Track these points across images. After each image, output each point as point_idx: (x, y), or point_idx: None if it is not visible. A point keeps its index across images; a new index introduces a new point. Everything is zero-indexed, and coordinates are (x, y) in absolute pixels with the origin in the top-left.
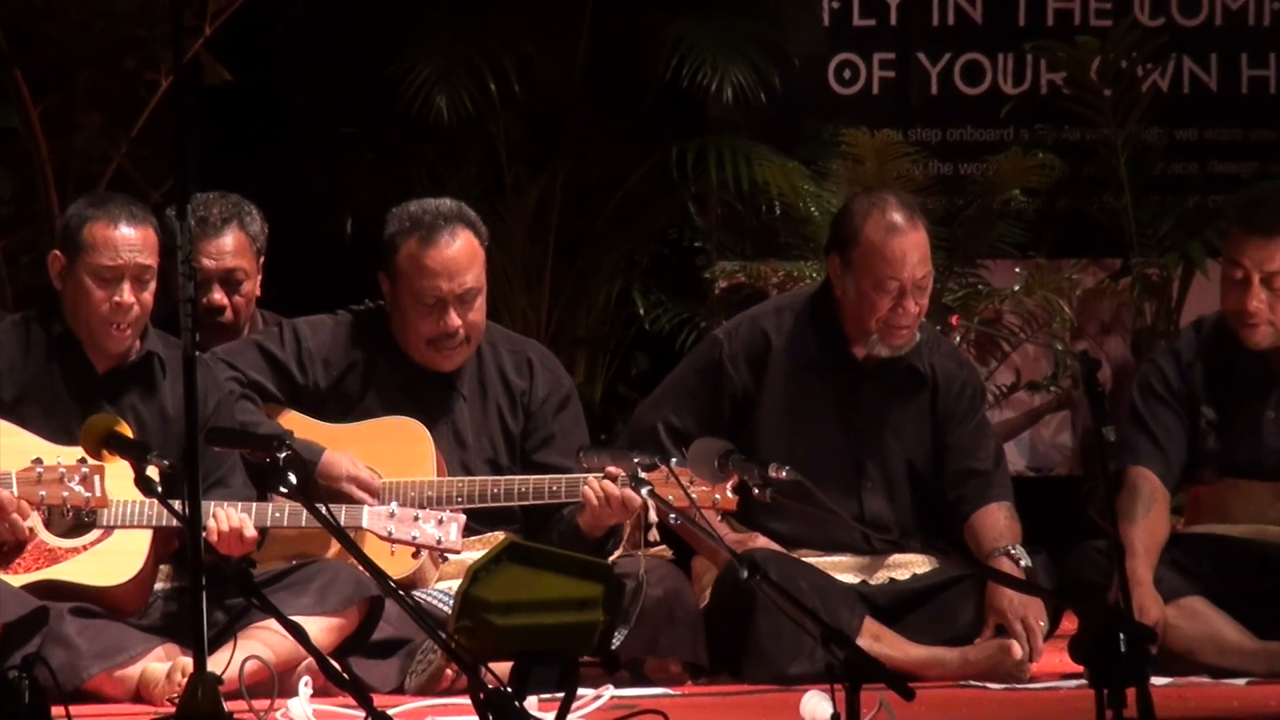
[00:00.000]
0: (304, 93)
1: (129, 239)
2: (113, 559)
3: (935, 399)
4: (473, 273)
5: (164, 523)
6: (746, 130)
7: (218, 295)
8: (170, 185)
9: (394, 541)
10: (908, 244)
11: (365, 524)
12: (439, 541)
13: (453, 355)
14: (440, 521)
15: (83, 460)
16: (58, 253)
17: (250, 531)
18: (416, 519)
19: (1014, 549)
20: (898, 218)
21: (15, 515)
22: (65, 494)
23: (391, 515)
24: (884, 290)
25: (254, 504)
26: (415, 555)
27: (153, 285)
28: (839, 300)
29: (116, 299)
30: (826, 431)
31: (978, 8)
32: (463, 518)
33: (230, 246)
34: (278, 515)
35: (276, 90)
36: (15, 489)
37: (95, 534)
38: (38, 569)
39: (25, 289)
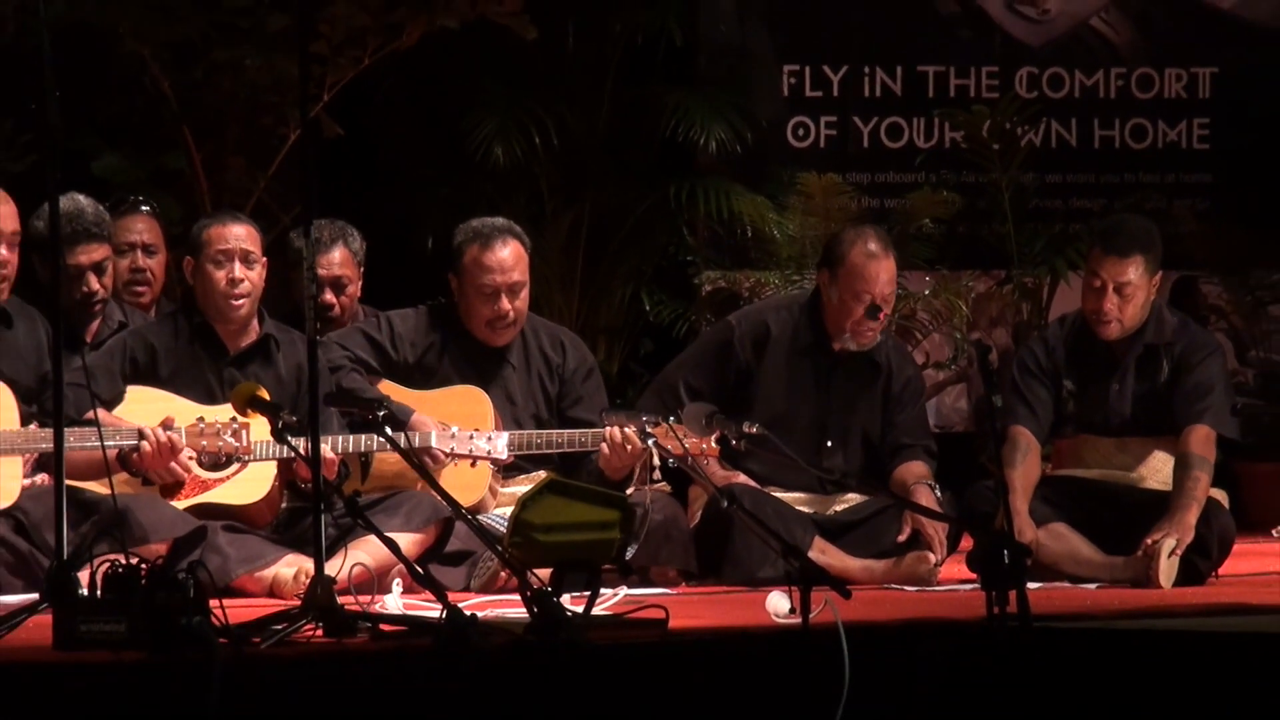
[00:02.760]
0: (395, 144)
1: (235, 231)
2: (247, 484)
3: (888, 387)
4: (519, 270)
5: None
6: (726, 173)
7: (328, 297)
8: (297, 212)
9: (455, 456)
10: (881, 268)
11: (434, 443)
12: (489, 453)
13: (504, 333)
14: (489, 439)
15: (233, 419)
16: (189, 257)
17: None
18: (471, 437)
19: (931, 482)
20: (874, 247)
21: (182, 458)
22: (220, 444)
23: (453, 436)
24: (859, 301)
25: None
26: (473, 465)
27: (259, 268)
28: (825, 305)
29: (229, 276)
30: (804, 402)
31: (898, 83)
32: (506, 435)
33: (337, 259)
34: (371, 446)
35: (375, 142)
36: (185, 439)
37: (235, 466)
38: (194, 496)
39: (190, 290)
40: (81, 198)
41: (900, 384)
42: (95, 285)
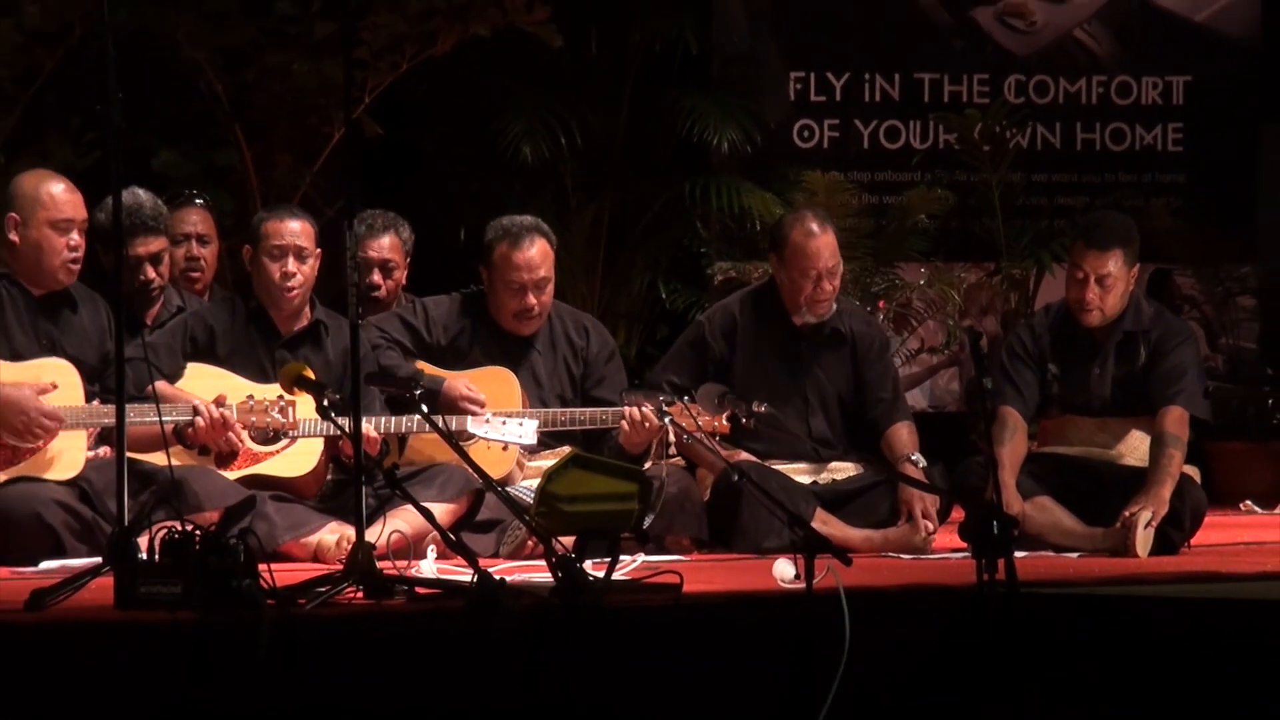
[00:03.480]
0: (431, 143)
1: (291, 227)
2: (296, 458)
3: (855, 350)
4: (545, 267)
5: (334, 433)
6: (737, 172)
7: (376, 277)
8: (340, 205)
9: (489, 440)
10: (821, 244)
11: (469, 427)
12: (520, 437)
13: (530, 324)
14: (520, 424)
15: (281, 396)
16: (248, 246)
17: (374, 434)
18: (504, 423)
19: (914, 456)
20: (813, 226)
21: (234, 432)
22: (268, 420)
23: (487, 421)
24: (806, 276)
25: (395, 418)
26: (505, 449)
27: (312, 262)
28: (780, 286)
29: (284, 269)
30: (780, 378)
31: (896, 89)
32: (536, 422)
33: (387, 244)
34: (410, 426)
35: (412, 141)
36: (236, 415)
37: (284, 441)
38: (245, 467)
39: (242, 277)
40: (141, 192)
41: (865, 346)
42: (152, 274)
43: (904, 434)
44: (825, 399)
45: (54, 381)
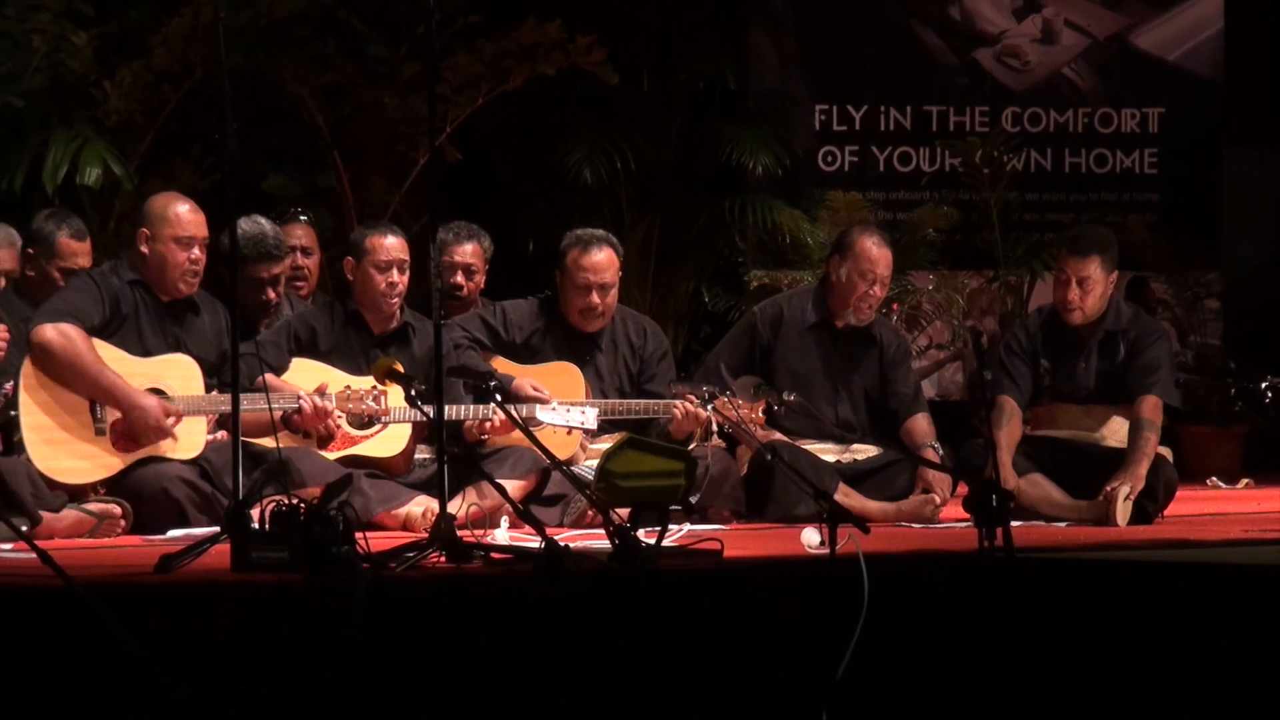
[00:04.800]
0: (503, 167)
1: (392, 243)
2: (387, 441)
3: (882, 353)
4: (610, 272)
5: (420, 419)
6: (769, 192)
7: (459, 279)
8: (424, 221)
9: (554, 425)
10: (882, 254)
11: (538, 414)
12: (582, 423)
13: (595, 322)
14: (583, 411)
15: (374, 387)
16: (349, 258)
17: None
18: (568, 410)
19: (934, 444)
20: (879, 238)
21: (333, 419)
22: (363, 407)
23: (553, 409)
24: (864, 279)
25: (476, 405)
26: (569, 433)
27: (407, 274)
28: (832, 287)
29: (389, 281)
30: (815, 369)
31: (908, 119)
32: (596, 409)
33: (470, 251)
34: (487, 413)
35: (487, 165)
36: (335, 404)
37: (377, 426)
38: (343, 449)
39: (340, 284)
40: (265, 222)
41: (892, 350)
42: (271, 295)
43: (922, 424)
44: (853, 391)
45: (171, 384)
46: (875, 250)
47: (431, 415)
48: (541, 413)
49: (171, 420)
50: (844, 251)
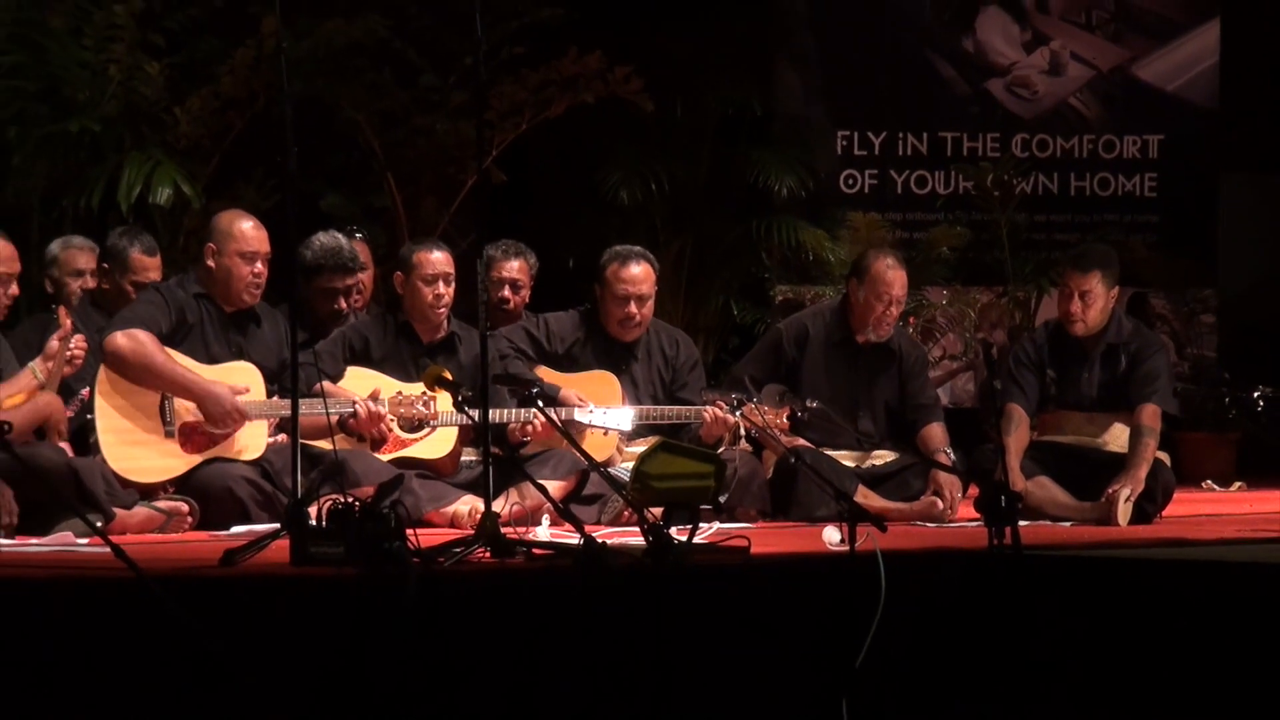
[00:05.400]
0: (546, 188)
1: (439, 257)
2: (436, 443)
3: (901, 366)
4: (647, 285)
5: (467, 423)
6: (794, 212)
7: (506, 293)
8: (472, 238)
9: (591, 427)
10: (896, 277)
11: (576, 416)
12: (618, 424)
13: (631, 332)
14: (619, 415)
15: (424, 392)
16: (399, 273)
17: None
18: (605, 414)
19: (948, 449)
20: (893, 261)
21: (385, 422)
22: (414, 412)
23: (590, 412)
24: (880, 300)
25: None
26: (605, 434)
27: (452, 286)
28: (852, 306)
29: (435, 293)
30: (837, 382)
31: (924, 145)
32: (632, 412)
33: (516, 266)
34: (529, 416)
35: (530, 187)
36: (387, 409)
37: (426, 430)
38: (395, 451)
39: (392, 297)
40: (341, 237)
41: (910, 363)
42: (343, 304)
43: (937, 431)
44: (874, 404)
45: (246, 385)
46: (890, 273)
47: (477, 419)
48: (580, 415)
49: (241, 416)
50: (861, 275)
